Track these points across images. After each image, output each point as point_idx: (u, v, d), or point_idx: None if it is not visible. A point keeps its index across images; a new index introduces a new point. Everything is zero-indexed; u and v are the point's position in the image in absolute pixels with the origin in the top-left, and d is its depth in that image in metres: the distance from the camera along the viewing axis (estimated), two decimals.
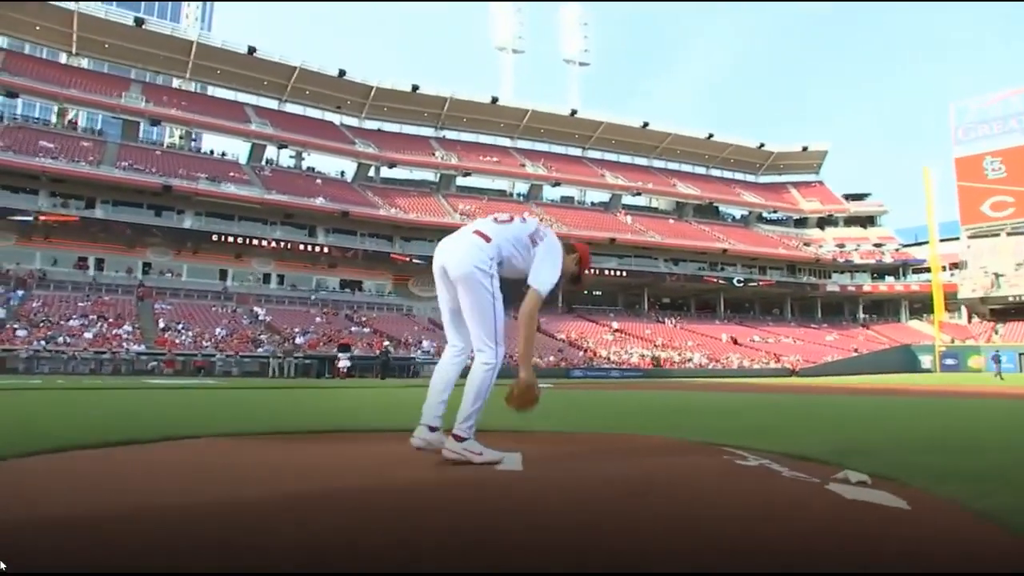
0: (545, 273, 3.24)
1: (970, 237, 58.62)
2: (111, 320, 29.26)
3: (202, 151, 49.83)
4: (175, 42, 48.25)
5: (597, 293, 54.21)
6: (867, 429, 5.57)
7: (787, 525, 2.16)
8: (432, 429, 3.19)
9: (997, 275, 52.90)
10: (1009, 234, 57.19)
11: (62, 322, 28.48)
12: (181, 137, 49.67)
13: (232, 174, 44.08)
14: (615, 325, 47.05)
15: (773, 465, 3.20)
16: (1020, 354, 44.93)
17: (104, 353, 25.16)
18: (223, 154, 49.14)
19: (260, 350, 29.34)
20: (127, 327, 28.17)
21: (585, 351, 38.46)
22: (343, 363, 26.40)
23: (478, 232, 3.19)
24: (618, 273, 50.10)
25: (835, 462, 3.19)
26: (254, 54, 49.26)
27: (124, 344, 25.91)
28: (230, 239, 40.31)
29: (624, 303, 54.89)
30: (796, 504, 2.45)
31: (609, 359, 38.80)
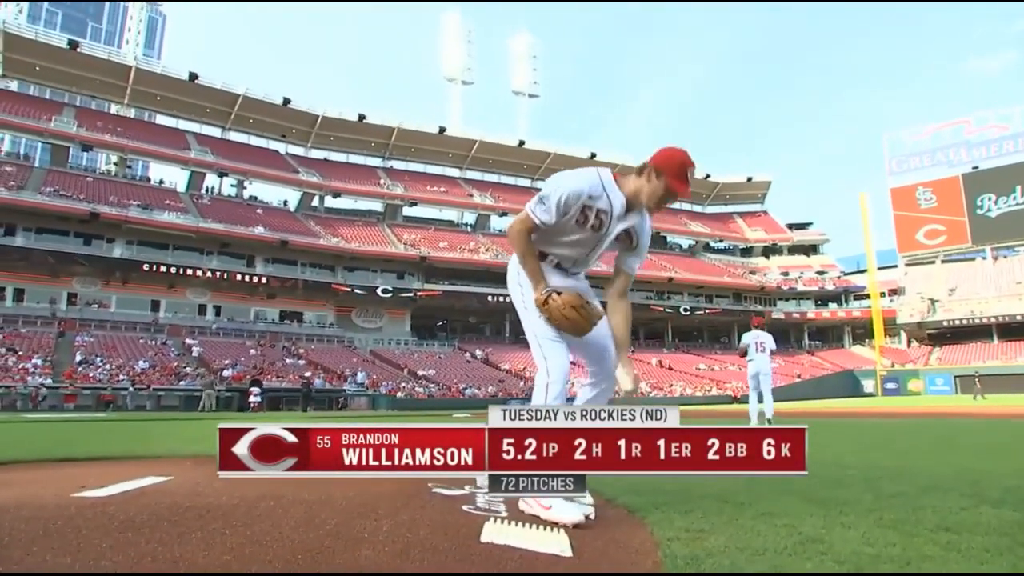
0: (534, 199, 2.71)
1: (907, 264, 60.52)
2: (20, 353, 27.66)
3: (150, 180, 48.39)
4: (112, 66, 47.06)
5: None
6: None
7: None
8: None
9: (932, 301, 54.41)
10: (943, 261, 59.23)
11: None
12: (116, 164, 48.17)
13: (168, 202, 42.85)
14: None
15: (485, 495, 2.72)
16: (956, 376, 45.95)
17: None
18: (160, 182, 47.86)
19: (182, 383, 28.04)
20: (36, 360, 26.63)
21: (526, 380, 37.96)
22: (253, 398, 25.42)
23: None
24: None
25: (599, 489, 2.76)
26: (196, 81, 48.33)
27: (28, 377, 24.43)
28: (163, 269, 38.97)
29: None
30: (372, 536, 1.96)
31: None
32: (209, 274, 40.37)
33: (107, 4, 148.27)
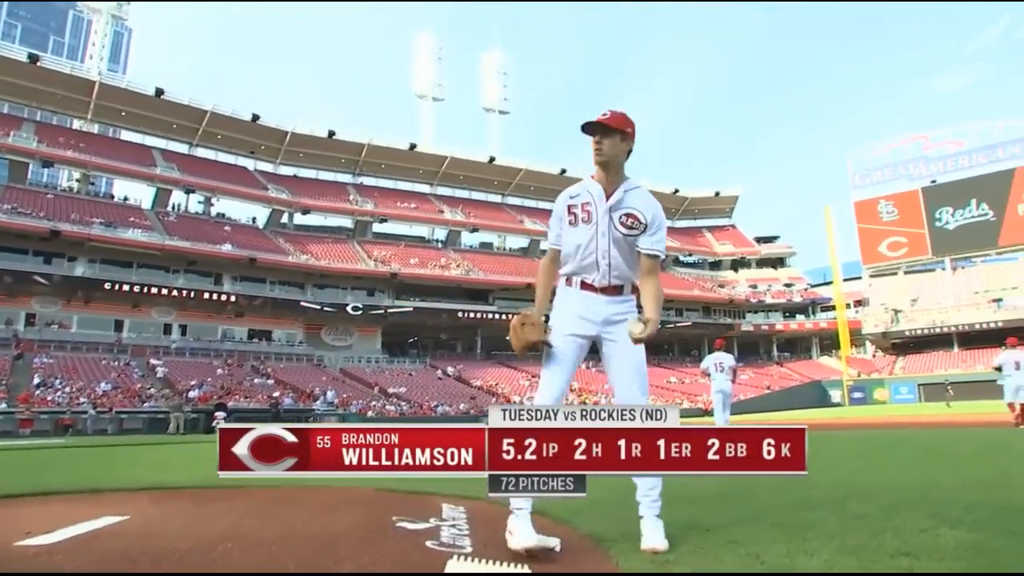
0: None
1: (871, 276, 61.95)
2: None
3: (113, 197, 47.32)
4: (75, 81, 46.11)
5: None
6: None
7: None
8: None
9: (896, 311, 55.71)
10: (905, 272, 60.76)
11: None
12: (78, 180, 47.08)
13: (133, 219, 41.96)
14: (536, 371, 46.67)
15: (450, 529, 2.66)
16: (919, 385, 46.98)
17: None
18: (125, 199, 46.90)
19: (146, 405, 27.34)
20: None
21: (498, 397, 37.83)
22: (216, 423, 24.89)
23: None
24: None
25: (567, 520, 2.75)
26: (162, 96, 47.53)
27: None
28: (127, 287, 38.06)
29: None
30: None
31: (522, 404, 38.24)
32: (175, 292, 39.50)
33: (70, 18, 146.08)
